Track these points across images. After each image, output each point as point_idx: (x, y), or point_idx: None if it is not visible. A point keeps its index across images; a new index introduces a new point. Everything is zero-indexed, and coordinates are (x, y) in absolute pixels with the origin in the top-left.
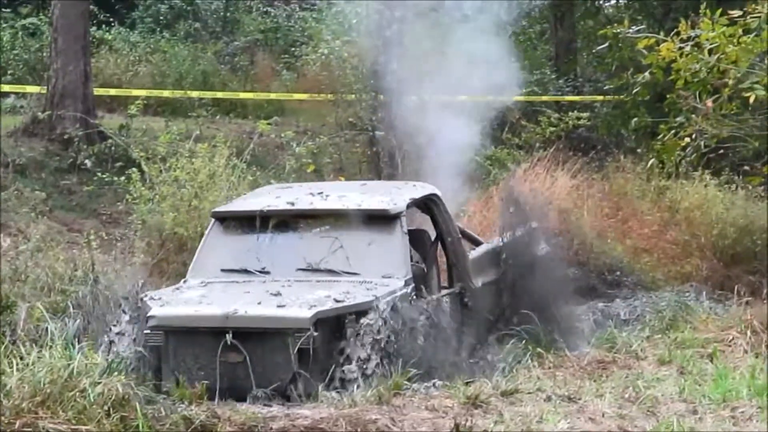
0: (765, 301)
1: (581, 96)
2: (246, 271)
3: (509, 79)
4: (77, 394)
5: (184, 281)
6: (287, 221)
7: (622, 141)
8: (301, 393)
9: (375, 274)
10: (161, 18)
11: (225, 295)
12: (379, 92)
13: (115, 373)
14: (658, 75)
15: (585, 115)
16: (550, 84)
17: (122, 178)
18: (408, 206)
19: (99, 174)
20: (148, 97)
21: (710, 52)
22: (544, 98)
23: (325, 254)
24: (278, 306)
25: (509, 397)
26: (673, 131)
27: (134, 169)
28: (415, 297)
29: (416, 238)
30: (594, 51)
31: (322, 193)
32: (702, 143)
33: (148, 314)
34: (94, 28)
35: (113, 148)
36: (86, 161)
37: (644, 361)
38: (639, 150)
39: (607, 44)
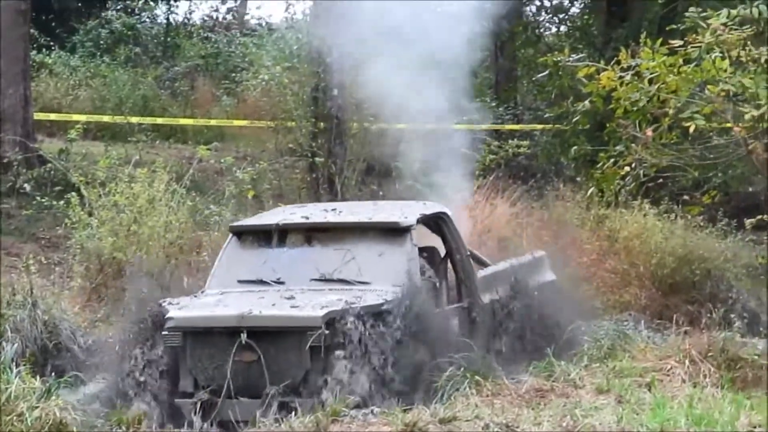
0: (703, 331)
1: (521, 124)
2: (262, 282)
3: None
4: (14, 418)
5: (202, 291)
6: (302, 235)
7: (562, 169)
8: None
9: (385, 284)
10: (102, 42)
11: (240, 300)
12: (319, 119)
13: (53, 397)
14: (598, 104)
15: (525, 143)
16: (490, 112)
17: (61, 202)
18: (418, 221)
19: (38, 198)
20: (87, 122)
21: (650, 81)
22: (484, 127)
23: (337, 265)
24: (291, 307)
25: (447, 425)
26: (612, 160)
27: (73, 194)
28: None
29: (428, 255)
30: (534, 79)
31: (335, 209)
32: (641, 172)
33: (167, 316)
34: (34, 51)
35: (52, 172)
36: (25, 185)
37: (582, 389)
38: (578, 179)
39: (547, 72)
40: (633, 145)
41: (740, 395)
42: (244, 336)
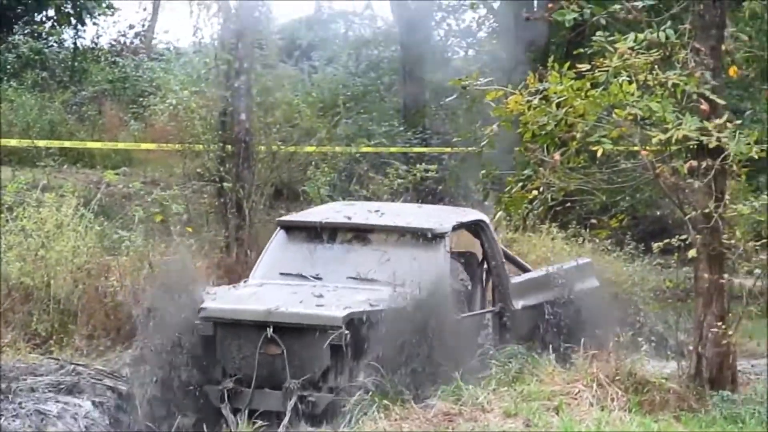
0: (611, 355)
1: (429, 148)
2: (301, 276)
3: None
4: None
5: (245, 281)
6: (343, 234)
7: (470, 193)
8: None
9: (417, 287)
10: (8, 67)
11: (272, 294)
12: (227, 143)
13: None
14: (506, 127)
15: (433, 167)
16: (398, 136)
17: None
18: (454, 228)
19: None
20: None
21: (558, 105)
22: (393, 150)
23: (373, 266)
24: (317, 305)
25: None
26: (520, 184)
27: None
28: (453, 311)
29: (466, 259)
30: (442, 103)
31: (378, 211)
32: (549, 196)
33: (200, 306)
34: None
35: None
36: None
37: (490, 413)
38: (486, 202)
39: (455, 96)
40: (541, 169)
41: (648, 419)
42: (269, 330)
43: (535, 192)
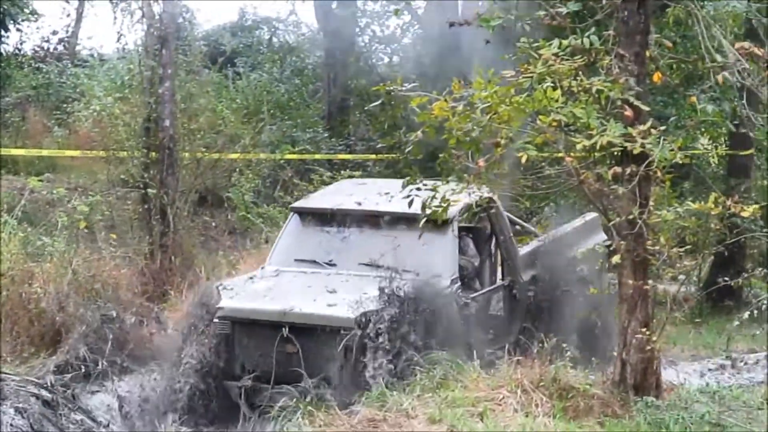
0: (535, 361)
1: (354, 155)
2: (315, 263)
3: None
4: None
5: (262, 268)
6: (353, 219)
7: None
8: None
9: (426, 273)
10: None
11: (287, 290)
12: (151, 149)
13: None
14: (431, 134)
15: (357, 173)
16: (323, 142)
17: None
18: (462, 211)
19: None
20: None
21: (483, 111)
22: (317, 156)
23: (383, 252)
24: (329, 305)
25: None
26: (445, 190)
27: None
28: (459, 293)
29: (475, 235)
30: (367, 109)
31: (389, 193)
32: (474, 202)
33: (218, 305)
34: None
35: None
36: None
37: (415, 419)
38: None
39: (380, 102)
40: (465, 175)
41: (572, 424)
42: (285, 330)
43: (460, 196)
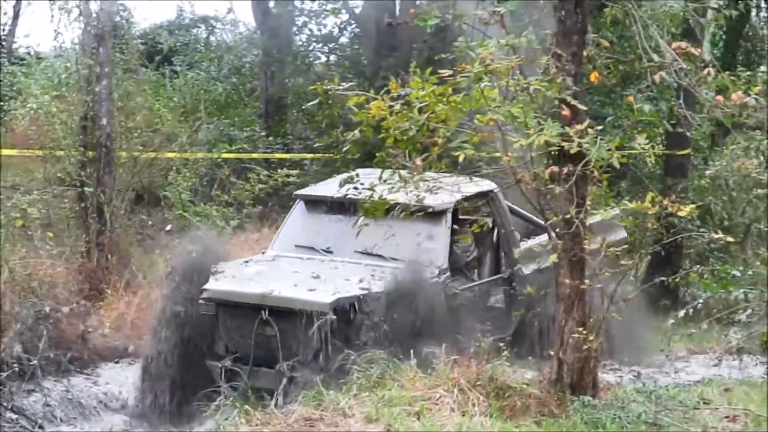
0: (472, 360)
1: (291, 154)
2: (313, 249)
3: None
4: None
5: (263, 252)
6: (354, 208)
7: None
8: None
9: (416, 262)
10: None
11: (275, 274)
12: (88, 147)
13: None
14: (368, 133)
15: (294, 172)
16: (260, 141)
17: None
18: (459, 202)
19: None
20: None
21: (420, 110)
22: (254, 156)
23: (378, 241)
24: (308, 290)
25: None
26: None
27: None
28: (448, 284)
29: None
30: (304, 108)
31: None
32: (412, 201)
33: (203, 287)
34: None
35: None
36: None
37: (352, 418)
38: None
39: (317, 101)
40: (405, 173)
41: (509, 424)
42: (264, 313)
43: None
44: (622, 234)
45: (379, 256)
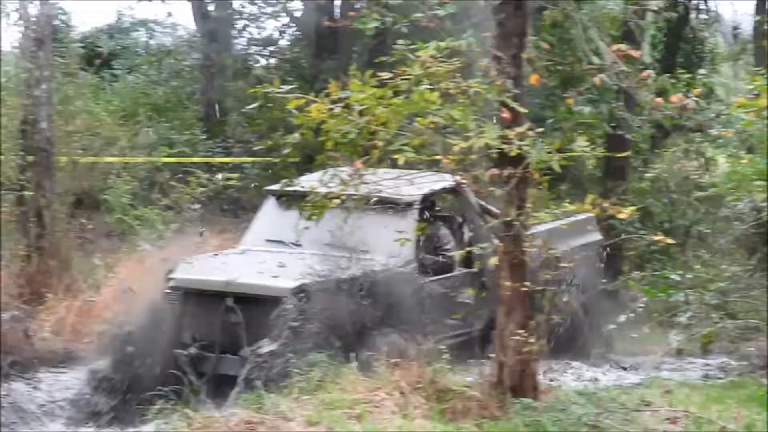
0: (413, 363)
1: (231, 157)
2: (283, 243)
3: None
4: None
5: (234, 247)
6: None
7: None
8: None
9: (383, 254)
10: None
11: (241, 264)
12: (28, 151)
13: None
14: (309, 136)
15: (235, 175)
16: (200, 144)
17: None
18: (426, 196)
19: None
20: None
21: (360, 113)
22: (194, 159)
23: (347, 233)
24: (272, 276)
25: None
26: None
27: None
28: (415, 275)
29: (449, 222)
30: (244, 111)
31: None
32: (352, 204)
33: (169, 276)
34: None
35: None
36: None
37: (293, 422)
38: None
39: (257, 104)
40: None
41: (450, 426)
42: (230, 300)
43: (336, 201)
44: (597, 236)
45: (348, 248)
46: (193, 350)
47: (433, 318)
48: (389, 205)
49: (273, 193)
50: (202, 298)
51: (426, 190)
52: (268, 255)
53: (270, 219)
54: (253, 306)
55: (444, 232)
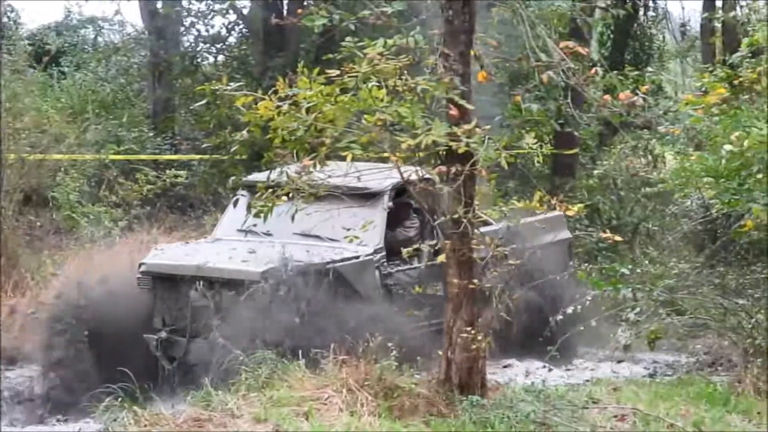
0: (360, 360)
1: (179, 154)
2: (254, 233)
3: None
4: None
5: (204, 238)
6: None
7: (220, 199)
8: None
9: (353, 243)
10: None
11: (211, 251)
12: None
13: None
14: (256, 133)
15: (183, 173)
16: (148, 142)
17: None
18: (395, 186)
19: None
20: None
21: (308, 110)
22: (142, 156)
23: (317, 223)
24: (242, 261)
25: None
26: (270, 189)
27: None
28: (383, 263)
29: (420, 213)
30: (192, 108)
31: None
32: (299, 201)
33: (140, 261)
34: None
35: None
36: None
37: (240, 419)
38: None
39: (205, 102)
40: (293, 174)
41: (397, 424)
42: (199, 284)
43: (284, 198)
44: (567, 234)
45: (317, 237)
46: (163, 334)
47: (402, 306)
48: (359, 195)
49: (244, 184)
50: (173, 283)
51: (394, 181)
52: (239, 243)
53: (241, 210)
54: (224, 290)
55: (413, 222)
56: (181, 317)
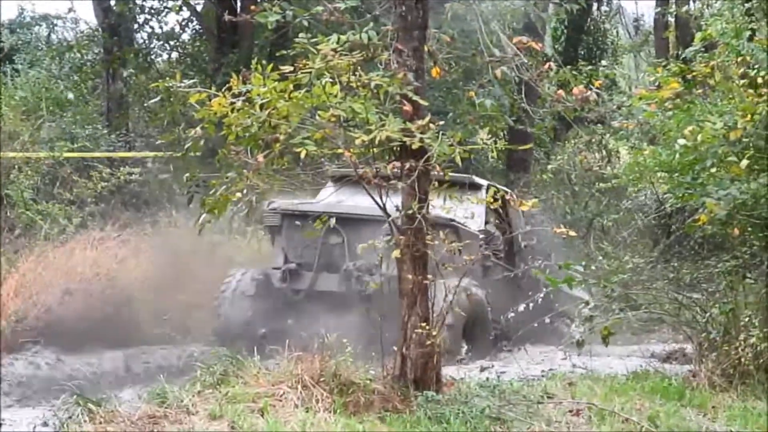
0: (315, 356)
1: (133, 152)
2: None
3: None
4: None
5: None
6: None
7: (174, 196)
8: None
9: None
10: None
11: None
12: None
13: None
14: (210, 130)
15: (137, 170)
16: (102, 139)
17: None
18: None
19: None
20: None
21: (261, 107)
22: (96, 154)
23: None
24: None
25: None
26: (224, 186)
27: None
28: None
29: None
30: (146, 105)
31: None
32: (254, 198)
33: (269, 201)
34: None
35: None
36: None
37: (195, 415)
38: (191, 206)
39: (159, 99)
40: (245, 171)
41: (352, 419)
42: (332, 221)
43: (239, 195)
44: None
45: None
46: (292, 266)
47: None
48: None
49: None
50: (301, 220)
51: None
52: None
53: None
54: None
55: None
56: (307, 253)
